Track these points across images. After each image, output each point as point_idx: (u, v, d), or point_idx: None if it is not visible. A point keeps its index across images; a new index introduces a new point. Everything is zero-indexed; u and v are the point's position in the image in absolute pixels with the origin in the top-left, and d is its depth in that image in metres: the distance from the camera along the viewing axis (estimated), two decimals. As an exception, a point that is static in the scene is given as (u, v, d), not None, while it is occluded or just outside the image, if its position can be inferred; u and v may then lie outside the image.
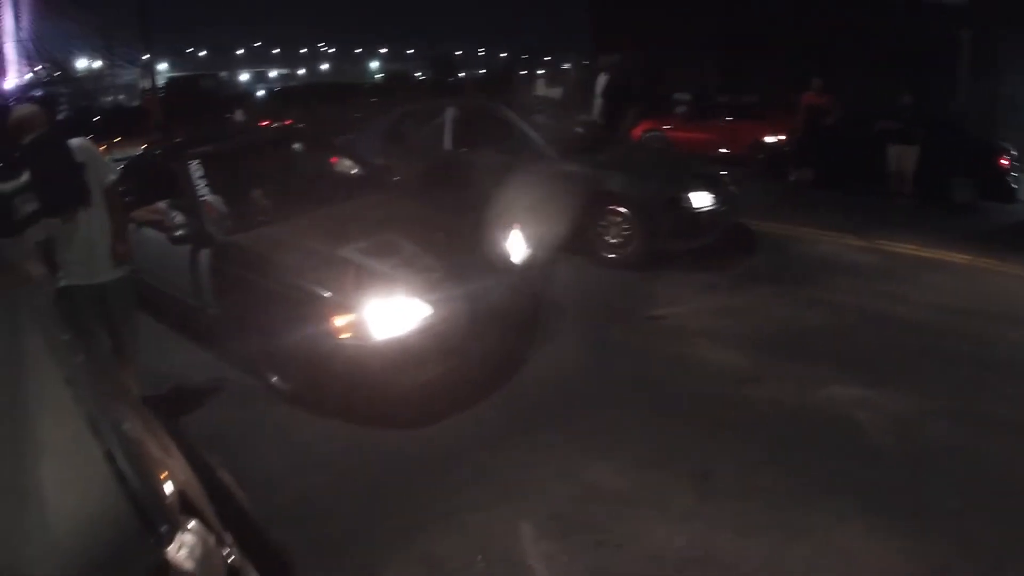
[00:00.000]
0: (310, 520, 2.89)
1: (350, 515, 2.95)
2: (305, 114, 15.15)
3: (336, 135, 7.46)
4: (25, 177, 2.94)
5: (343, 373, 3.56)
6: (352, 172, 5.59)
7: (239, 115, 17.32)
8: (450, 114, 7.06)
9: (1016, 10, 11.94)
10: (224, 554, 1.35)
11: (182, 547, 1.26)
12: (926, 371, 4.07)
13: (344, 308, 3.47)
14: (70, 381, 1.45)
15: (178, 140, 5.83)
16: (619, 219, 5.94)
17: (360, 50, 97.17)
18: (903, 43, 12.80)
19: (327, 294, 3.53)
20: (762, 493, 2.97)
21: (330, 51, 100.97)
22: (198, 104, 20.39)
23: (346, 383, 3.61)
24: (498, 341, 3.97)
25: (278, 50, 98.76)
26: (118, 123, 16.29)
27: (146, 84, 28.91)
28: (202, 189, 4.31)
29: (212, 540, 1.32)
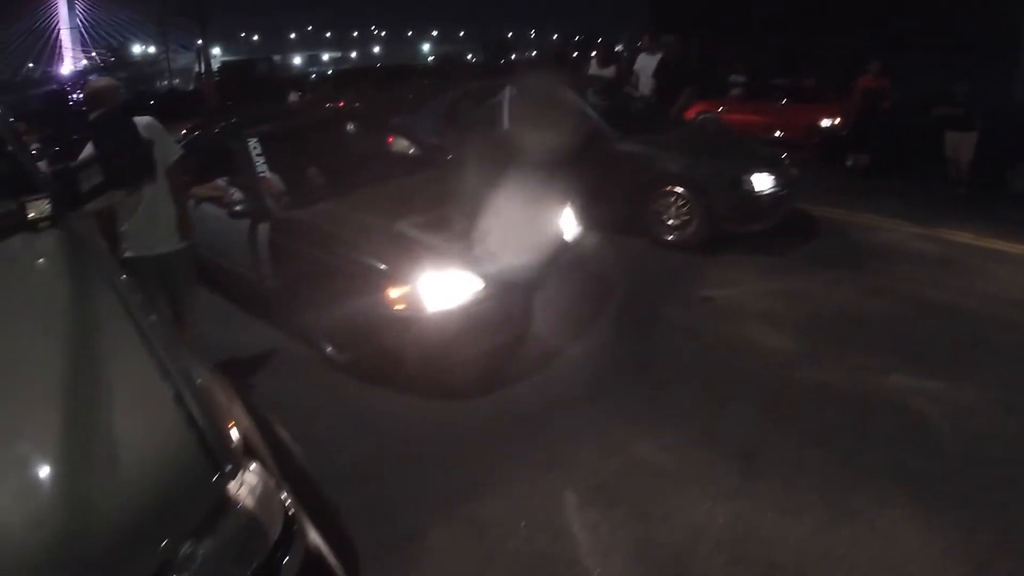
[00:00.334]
0: (360, 483, 3.01)
1: (399, 479, 3.06)
2: (358, 96, 15.37)
3: (391, 116, 7.55)
4: (89, 150, 3.10)
5: (397, 344, 3.67)
6: (406, 151, 5.69)
7: (293, 97, 17.63)
8: (508, 93, 7.04)
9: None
10: (282, 498, 1.44)
11: (243, 485, 1.34)
12: (980, 361, 3.98)
13: (399, 280, 3.56)
14: (141, 334, 1.54)
15: (226, 120, 5.97)
16: (679, 200, 5.89)
17: (411, 32, 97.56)
18: (963, 28, 12.35)
19: (383, 267, 3.63)
20: (807, 475, 2.97)
21: (382, 34, 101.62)
22: (252, 87, 20.82)
23: (399, 353, 3.71)
24: (549, 317, 4.01)
25: (330, 33, 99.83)
26: (173, 106, 16.75)
27: (200, 68, 29.69)
28: (261, 166, 4.45)
29: (272, 483, 1.41)
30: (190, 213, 3.84)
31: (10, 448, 1.27)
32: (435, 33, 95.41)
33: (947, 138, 8.45)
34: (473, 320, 3.65)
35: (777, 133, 11.35)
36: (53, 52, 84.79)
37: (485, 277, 3.69)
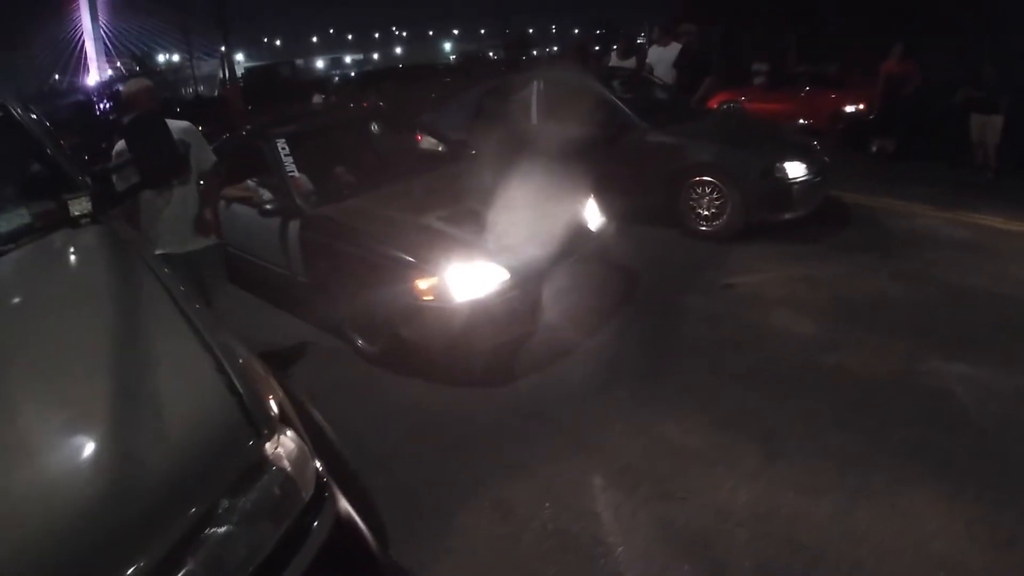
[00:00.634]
0: (389, 468, 3.11)
1: (426, 464, 3.16)
2: (381, 97, 15.50)
3: (414, 115, 7.63)
4: (120, 145, 3.23)
5: (425, 333, 3.78)
6: (432, 147, 5.78)
7: (316, 99, 17.84)
8: (536, 87, 7.06)
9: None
10: (315, 465, 1.52)
11: (279, 448, 1.42)
12: (1010, 345, 3.94)
13: (427, 272, 3.67)
14: (184, 316, 1.64)
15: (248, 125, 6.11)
16: (711, 190, 5.86)
17: (432, 32, 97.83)
18: (988, 9, 12.12)
19: (411, 259, 3.74)
20: (830, 456, 2.99)
21: (403, 34, 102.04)
22: (276, 92, 21.07)
23: (427, 343, 3.82)
24: (573, 306, 4.08)
25: (351, 36, 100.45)
26: (199, 114, 17.01)
27: (224, 75, 30.08)
28: (289, 166, 4.56)
29: (306, 449, 1.49)
30: (220, 215, 3.98)
31: (62, 411, 1.38)
32: (456, 32, 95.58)
33: (973, 121, 8.33)
34: (499, 310, 3.72)
35: (801, 121, 11.26)
36: (78, 63, 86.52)
37: (510, 268, 3.76)
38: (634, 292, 4.92)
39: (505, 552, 2.59)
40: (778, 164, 5.68)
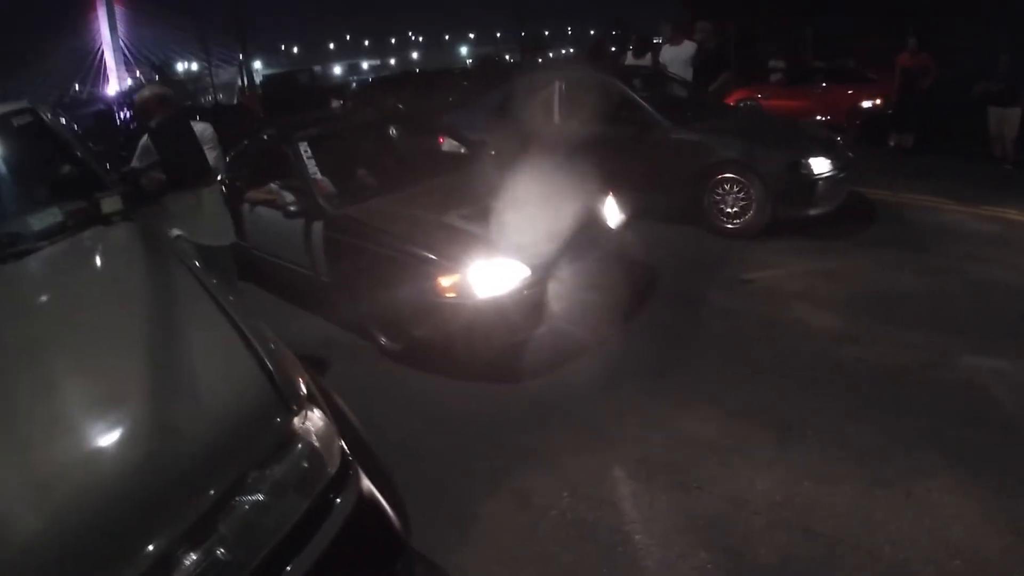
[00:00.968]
0: (410, 459, 3.14)
1: (447, 455, 3.21)
2: (399, 101, 15.61)
3: (436, 117, 7.68)
4: (144, 142, 3.32)
5: (447, 330, 3.82)
6: (453, 148, 5.84)
7: (335, 105, 18.03)
8: (558, 86, 7.06)
9: None
10: (340, 443, 1.58)
11: (307, 423, 1.49)
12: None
13: (449, 269, 3.73)
14: (216, 303, 1.71)
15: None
16: (736, 187, 5.83)
17: (448, 36, 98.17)
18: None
19: (433, 257, 3.80)
20: (847, 446, 3.01)
21: (419, 39, 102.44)
22: (296, 98, 21.26)
23: (450, 339, 3.87)
24: (594, 302, 4.10)
25: (368, 41, 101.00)
26: (219, 122, 17.19)
27: (243, 83, 30.38)
28: (312, 168, 4.63)
29: (332, 427, 1.55)
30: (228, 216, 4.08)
31: (102, 387, 1.46)
32: (472, 35, 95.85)
33: (990, 114, 8.27)
34: (520, 306, 3.77)
35: (818, 117, 11.22)
36: (98, 73, 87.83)
37: (531, 265, 3.81)
38: (655, 288, 4.94)
39: (524, 540, 2.63)
40: (803, 160, 5.65)
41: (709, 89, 7.82)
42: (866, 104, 10.90)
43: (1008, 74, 8.19)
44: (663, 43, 8.69)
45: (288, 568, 1.35)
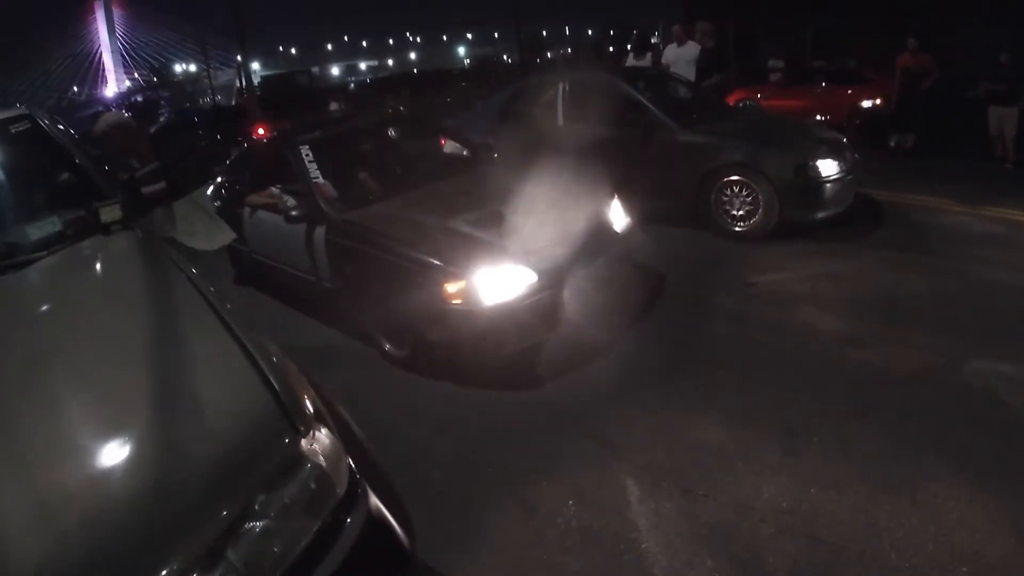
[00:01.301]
0: (414, 466, 3.16)
1: (452, 463, 3.20)
2: (398, 102, 15.61)
3: (437, 119, 7.64)
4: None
5: (453, 337, 3.78)
6: (456, 152, 5.80)
7: (334, 106, 17.99)
8: (562, 88, 7.00)
9: None
10: (348, 462, 1.55)
11: (315, 444, 1.46)
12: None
13: (455, 276, 3.67)
14: (219, 316, 1.68)
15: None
16: (743, 190, 5.79)
17: (446, 36, 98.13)
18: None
19: (438, 263, 3.74)
20: (851, 451, 2.99)
21: (417, 39, 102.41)
22: (294, 100, 21.23)
23: (456, 346, 3.82)
24: (597, 307, 4.06)
25: (366, 43, 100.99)
26: (218, 123, 17.14)
27: (241, 84, 30.36)
28: (314, 172, 4.57)
29: (339, 447, 1.53)
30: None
31: (106, 408, 1.43)
32: (470, 36, 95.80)
33: (991, 114, 8.25)
34: (527, 312, 3.72)
35: (818, 117, 11.20)
36: (96, 75, 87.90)
37: (538, 270, 3.76)
38: (661, 292, 4.91)
39: (529, 548, 2.61)
40: (811, 162, 5.60)
41: (704, 84, 7.79)
42: (866, 104, 10.87)
43: (1008, 72, 8.17)
44: (668, 43, 8.66)
45: None
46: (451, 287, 3.67)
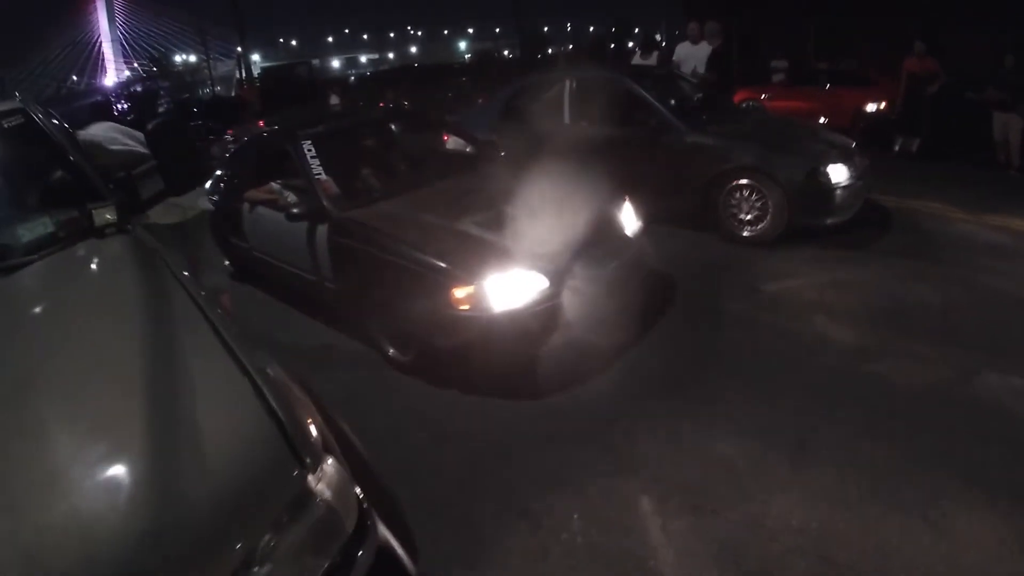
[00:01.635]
0: (415, 476, 3.08)
1: (455, 473, 3.12)
2: (398, 96, 15.52)
3: (441, 114, 7.54)
4: (139, 147, 3.21)
5: (461, 344, 3.64)
6: (460, 149, 5.68)
7: (333, 100, 17.88)
8: (568, 86, 6.89)
9: None
10: (356, 492, 1.46)
11: (322, 479, 1.37)
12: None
13: (463, 280, 3.54)
14: (215, 331, 1.58)
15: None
16: (752, 194, 5.69)
17: (447, 31, 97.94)
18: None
19: (446, 266, 3.60)
20: (862, 466, 2.93)
21: (418, 33, 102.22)
22: (293, 91, 21.11)
23: (463, 354, 3.69)
24: (612, 314, 3.94)
25: (367, 35, 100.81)
26: (217, 114, 17.05)
27: (241, 75, 30.22)
28: (316, 168, 4.42)
29: (347, 477, 1.43)
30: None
31: (98, 442, 1.32)
32: (471, 31, 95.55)
33: (995, 120, 8.20)
34: (538, 320, 3.60)
35: (822, 119, 11.12)
36: (96, 64, 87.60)
37: (550, 276, 3.64)
38: (669, 300, 4.82)
39: (534, 564, 2.55)
40: (822, 168, 5.50)
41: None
42: (870, 107, 10.80)
43: (1013, 78, 8.11)
44: (679, 41, 8.58)
45: None
46: (459, 292, 3.54)
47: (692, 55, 8.22)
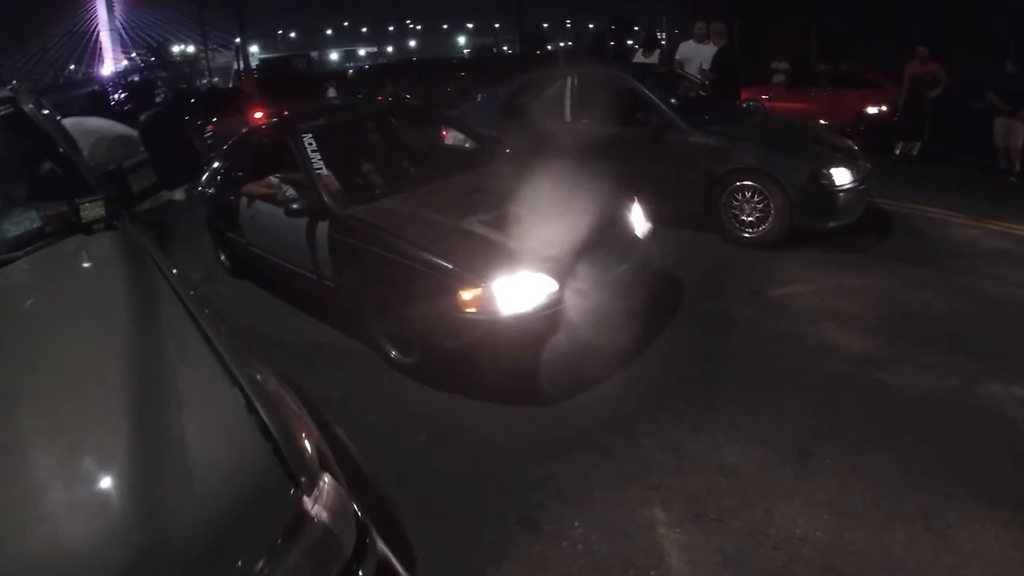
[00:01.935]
0: (416, 480, 3.04)
1: (455, 478, 3.06)
2: (396, 90, 15.44)
3: (442, 108, 7.47)
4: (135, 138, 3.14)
5: (467, 347, 3.52)
6: (463, 144, 5.56)
7: (331, 92, 17.80)
8: (570, 83, 6.82)
9: None
10: (354, 509, 1.39)
11: (319, 498, 1.29)
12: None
13: (470, 282, 3.41)
14: (205, 337, 1.51)
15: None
16: (754, 195, 5.63)
17: (446, 25, 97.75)
18: (1015, 6, 11.85)
19: (453, 267, 3.48)
20: (865, 475, 2.89)
21: (417, 27, 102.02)
22: (292, 84, 21.05)
23: (468, 357, 3.58)
24: (618, 318, 3.84)
25: (366, 28, 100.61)
26: (215, 105, 16.94)
27: (239, 66, 30.17)
28: (317, 163, 4.29)
29: (344, 495, 1.36)
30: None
31: (81, 460, 1.25)
32: (470, 25, 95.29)
33: (996, 125, 8.18)
34: (547, 323, 3.48)
35: (822, 121, 11.08)
36: (93, 54, 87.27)
37: (559, 278, 3.52)
38: (673, 303, 4.74)
39: (534, 572, 2.49)
40: (825, 170, 5.45)
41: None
42: (871, 110, 10.76)
43: (1014, 83, 8.09)
44: (691, 39, 8.50)
45: None
46: (466, 294, 3.41)
47: (698, 55, 8.15)
